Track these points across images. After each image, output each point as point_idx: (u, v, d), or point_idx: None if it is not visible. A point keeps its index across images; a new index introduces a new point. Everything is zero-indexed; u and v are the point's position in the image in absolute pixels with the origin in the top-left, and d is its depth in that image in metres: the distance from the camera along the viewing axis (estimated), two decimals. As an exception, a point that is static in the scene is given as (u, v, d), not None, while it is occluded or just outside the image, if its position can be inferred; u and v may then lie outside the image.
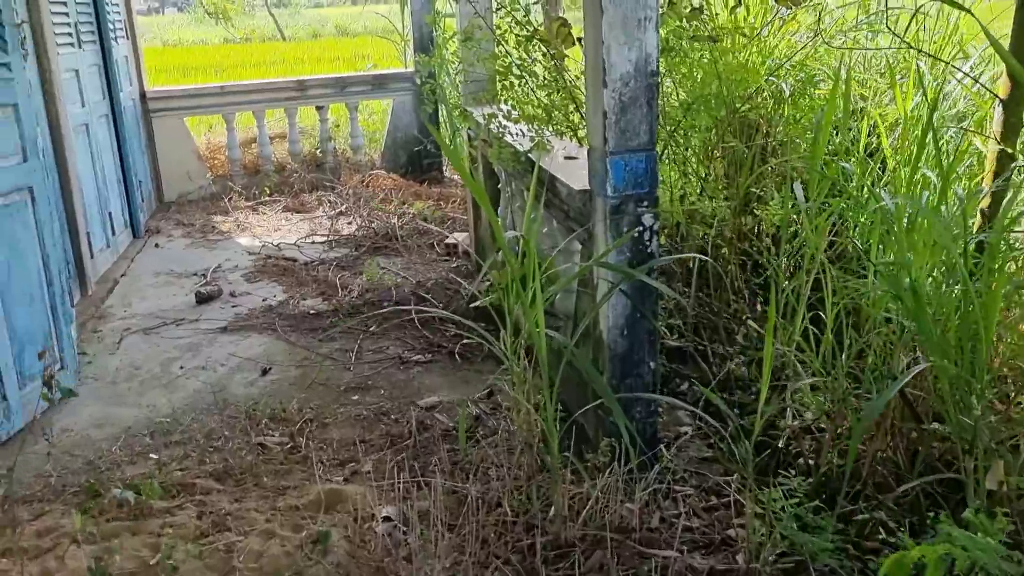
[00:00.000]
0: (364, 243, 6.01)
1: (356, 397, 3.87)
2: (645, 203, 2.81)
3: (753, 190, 4.22)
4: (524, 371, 2.81)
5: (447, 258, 5.72)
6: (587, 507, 2.69)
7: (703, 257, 2.93)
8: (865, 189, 4.04)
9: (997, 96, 3.07)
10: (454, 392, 3.88)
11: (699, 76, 3.50)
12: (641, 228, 2.84)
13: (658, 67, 2.71)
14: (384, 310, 4.69)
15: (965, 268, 2.22)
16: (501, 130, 3.97)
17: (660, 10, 2.71)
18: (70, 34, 5.46)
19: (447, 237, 5.91)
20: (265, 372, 4.14)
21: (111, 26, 6.30)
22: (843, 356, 2.81)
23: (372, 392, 3.91)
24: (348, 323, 4.66)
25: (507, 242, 3.35)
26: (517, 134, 3.88)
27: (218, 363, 4.27)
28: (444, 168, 7.63)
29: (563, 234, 3.43)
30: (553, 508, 2.67)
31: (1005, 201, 2.80)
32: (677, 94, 4.19)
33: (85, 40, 5.79)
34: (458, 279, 5.28)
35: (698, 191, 3.85)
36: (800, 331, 3.13)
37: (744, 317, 4.02)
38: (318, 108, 7.78)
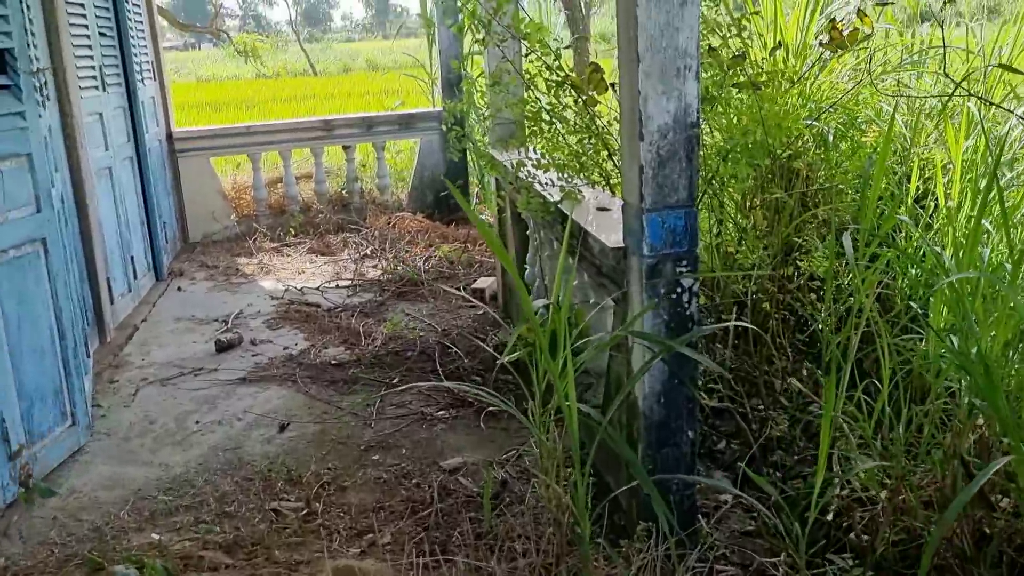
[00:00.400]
0: (389, 287, 5.86)
1: (376, 457, 3.69)
2: (684, 263, 2.62)
3: (795, 239, 4.02)
4: (553, 443, 2.62)
5: (473, 304, 5.55)
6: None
7: (745, 324, 2.70)
8: (916, 240, 3.83)
9: (1063, 146, 2.87)
10: (479, 452, 3.69)
11: (740, 122, 3.32)
12: (680, 290, 2.64)
13: (699, 118, 2.53)
14: (407, 362, 4.52)
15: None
16: (530, 178, 3.81)
17: (700, 58, 2.55)
18: (94, 77, 5.39)
19: (474, 282, 5.74)
20: (283, 428, 3.98)
21: (137, 67, 6.25)
22: (900, 427, 2.58)
23: (393, 452, 3.72)
24: (370, 375, 4.49)
25: (535, 301, 3.18)
26: (546, 182, 3.71)
27: (235, 417, 4.11)
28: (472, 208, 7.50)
29: (595, 290, 3.25)
30: (585, 595, 2.46)
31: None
32: (713, 137, 4.01)
33: (110, 83, 5.73)
34: (485, 327, 5.11)
35: (737, 241, 3.65)
36: (846, 391, 2.92)
37: (786, 374, 3.79)
38: (345, 148, 7.69)
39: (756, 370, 3.80)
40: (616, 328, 3.06)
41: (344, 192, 7.80)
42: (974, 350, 2.26)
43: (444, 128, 6.59)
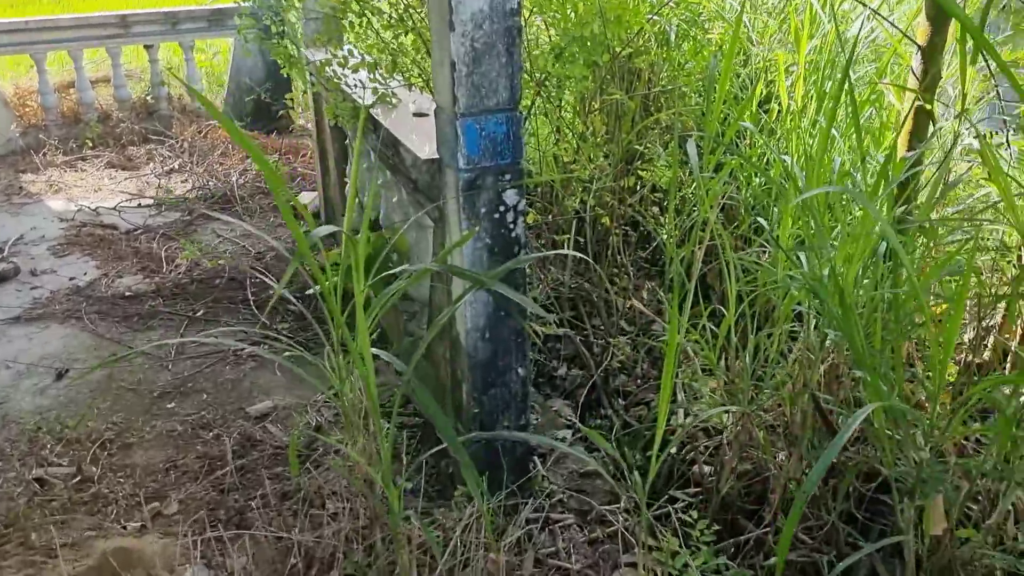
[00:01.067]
0: (198, 206, 5.22)
1: (172, 405, 3.20)
2: (507, 176, 2.24)
3: (636, 147, 3.72)
4: (358, 392, 2.23)
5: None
6: (443, 559, 2.16)
7: (575, 254, 2.36)
8: (761, 147, 3.59)
9: (915, 42, 2.63)
10: (293, 394, 3.26)
11: (575, 13, 2.92)
12: (503, 208, 2.27)
13: (520, 4, 2.12)
14: (214, 291, 4.00)
15: (905, 263, 1.74)
16: (339, 79, 3.31)
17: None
18: None
19: (295, 197, 5.19)
20: (61, 376, 3.41)
21: None
22: (746, 355, 2.34)
23: (192, 398, 3.25)
24: (171, 309, 3.94)
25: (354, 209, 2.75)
26: (356, 85, 3.22)
27: (2, 365, 3.50)
28: (295, 119, 6.83)
29: (413, 207, 2.84)
30: (399, 567, 2.12)
31: (936, 171, 2.37)
32: (550, 35, 3.61)
33: None
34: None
35: (575, 150, 3.30)
36: (692, 310, 2.66)
37: (628, 294, 3.54)
38: (146, 47, 6.81)
39: (596, 290, 3.52)
40: (437, 250, 2.68)
41: (149, 98, 6.94)
42: (826, 272, 2.01)
43: (266, 24, 5.88)
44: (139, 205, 5.37)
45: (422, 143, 2.55)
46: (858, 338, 1.75)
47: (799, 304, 2.27)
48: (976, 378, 2.12)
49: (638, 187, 3.77)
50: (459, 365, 2.48)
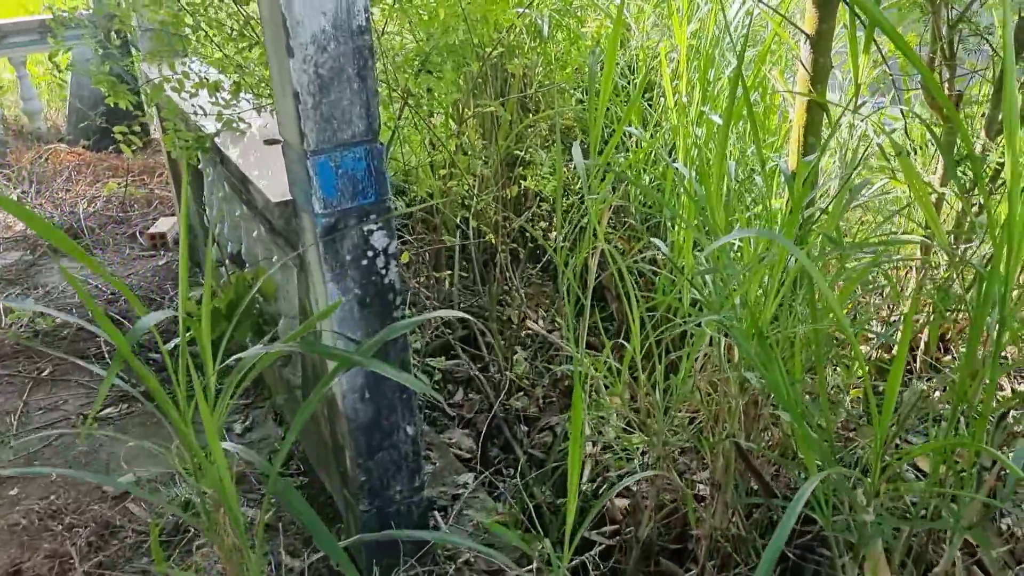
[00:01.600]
0: (42, 240, 4.71)
1: (15, 492, 2.79)
2: (373, 217, 1.95)
3: (517, 152, 3.47)
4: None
5: (153, 252, 4.58)
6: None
7: (458, 314, 2.09)
8: (647, 148, 3.40)
9: (803, 31, 2.46)
10: (160, 461, 2.89)
11: (436, 18, 2.63)
12: (371, 253, 1.98)
13: (369, 19, 1.82)
14: (63, 343, 3.55)
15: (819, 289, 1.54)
16: (181, 101, 2.93)
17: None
18: None
19: (152, 224, 4.74)
20: None
21: None
22: (658, 393, 2.12)
23: (39, 480, 2.84)
24: (12, 369, 3.49)
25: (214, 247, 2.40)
26: (197, 110, 2.86)
27: None
28: (151, 132, 6.29)
29: (275, 249, 2.51)
30: None
31: (842, 180, 2.20)
32: (415, 35, 3.30)
33: None
34: (168, 282, 4.21)
35: (450, 163, 3.02)
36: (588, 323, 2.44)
37: (521, 311, 3.29)
38: (-29, 66, 6.17)
39: (489, 310, 3.27)
40: (304, 295, 2.36)
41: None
42: (738, 301, 1.80)
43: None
44: (-27, 246, 4.81)
45: (275, 180, 2.23)
46: (784, 386, 1.54)
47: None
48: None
49: (523, 197, 3.53)
50: (339, 429, 2.18)
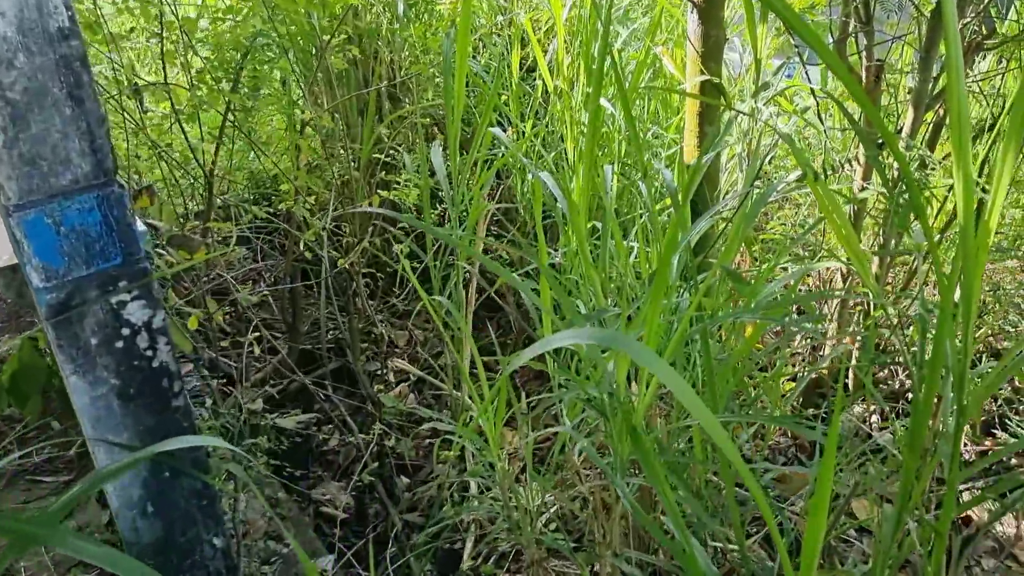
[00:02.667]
0: None
1: None
2: (123, 283, 1.45)
3: (377, 156, 2.98)
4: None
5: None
6: None
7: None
8: (525, 147, 2.95)
9: (691, 1, 2.00)
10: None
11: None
12: (128, 331, 1.48)
13: (75, 20, 1.31)
14: None
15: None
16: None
17: None
18: None
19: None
20: None
21: None
22: (528, 487, 1.67)
23: None
24: None
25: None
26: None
27: None
28: None
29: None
30: None
31: (747, 166, 1.76)
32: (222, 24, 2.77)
33: None
34: None
35: (286, 179, 2.50)
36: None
37: (383, 350, 2.82)
38: None
39: (349, 351, 2.78)
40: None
41: None
42: (609, 390, 1.35)
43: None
44: None
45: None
46: (669, 498, 1.10)
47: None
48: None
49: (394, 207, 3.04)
50: (126, 551, 1.69)
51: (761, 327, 1.38)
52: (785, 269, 1.83)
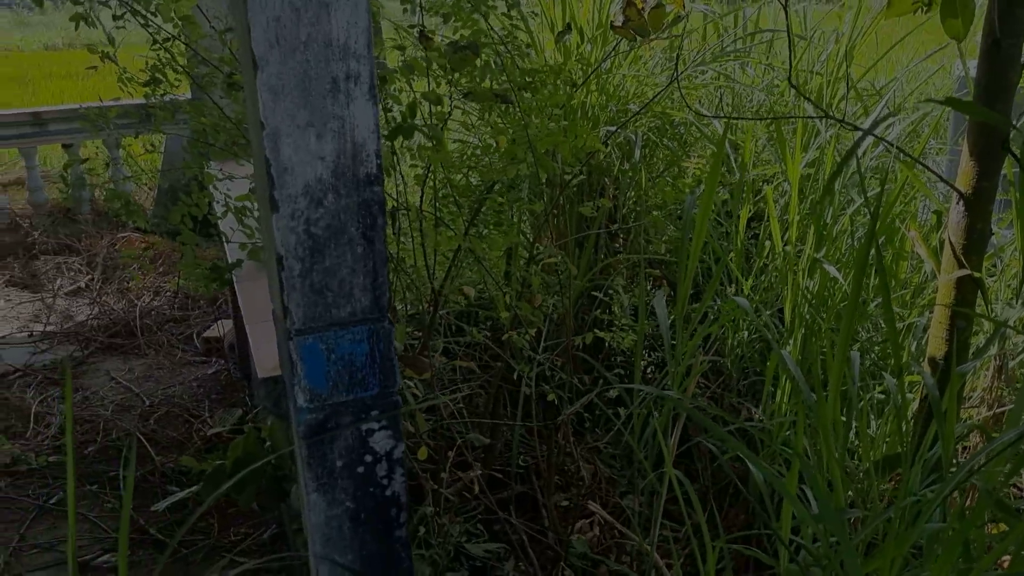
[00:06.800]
0: (97, 337, 4.47)
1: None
2: (375, 413, 1.51)
3: (594, 294, 3.01)
4: None
5: (206, 358, 4.27)
6: None
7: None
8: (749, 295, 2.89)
9: (956, 189, 1.93)
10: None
11: (495, 147, 2.23)
12: (370, 458, 1.53)
13: (380, 167, 1.41)
14: (82, 463, 3.22)
15: None
16: (222, 216, 2.61)
17: (381, 56, 1.42)
18: None
19: (210, 327, 4.46)
20: None
21: None
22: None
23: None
24: (24, 492, 3.17)
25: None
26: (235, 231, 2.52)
27: None
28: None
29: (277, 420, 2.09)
30: None
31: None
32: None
33: None
34: (213, 393, 3.88)
35: (512, 317, 2.56)
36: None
37: (582, 491, 2.77)
38: (65, 146, 6.14)
39: (535, 478, 2.77)
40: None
41: (69, 203, 6.24)
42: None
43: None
44: (30, 335, 4.61)
45: (267, 344, 1.82)
46: None
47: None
48: None
49: (604, 346, 3.05)
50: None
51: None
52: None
